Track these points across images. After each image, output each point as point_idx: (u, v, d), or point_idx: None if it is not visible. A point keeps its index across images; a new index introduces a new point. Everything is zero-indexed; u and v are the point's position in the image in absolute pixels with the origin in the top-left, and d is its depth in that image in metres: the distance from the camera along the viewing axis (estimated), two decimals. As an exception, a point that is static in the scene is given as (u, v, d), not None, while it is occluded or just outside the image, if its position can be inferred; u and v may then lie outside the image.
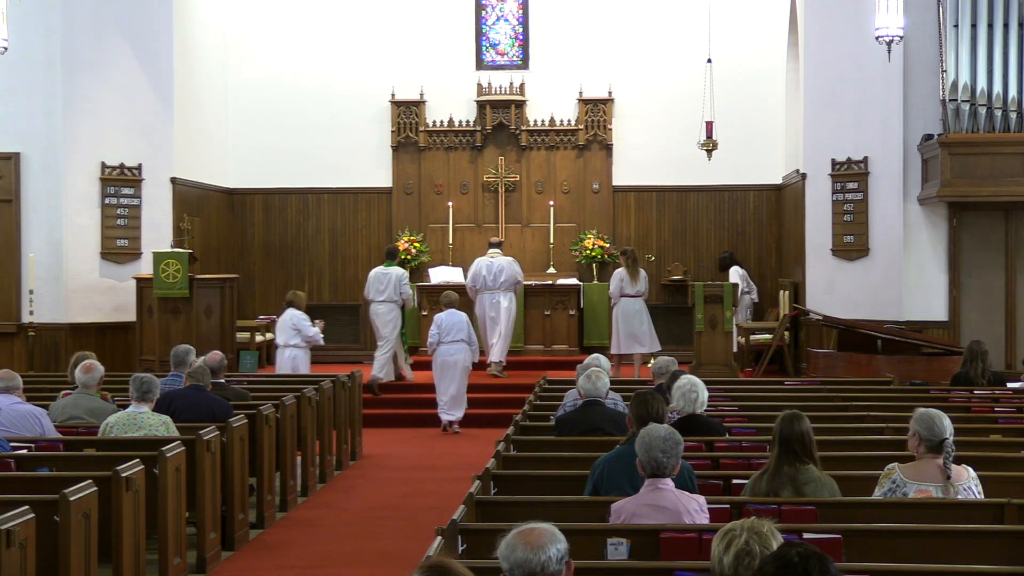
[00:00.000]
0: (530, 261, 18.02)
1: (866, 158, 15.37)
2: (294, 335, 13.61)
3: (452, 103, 18.49)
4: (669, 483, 5.49)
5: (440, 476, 11.35)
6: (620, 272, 15.71)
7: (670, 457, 5.44)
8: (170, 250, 14.84)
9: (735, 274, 17.37)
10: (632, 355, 15.53)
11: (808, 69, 16.16)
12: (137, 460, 7.02)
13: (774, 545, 3.61)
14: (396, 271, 15.25)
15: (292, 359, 13.57)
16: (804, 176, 16.21)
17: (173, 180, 16.10)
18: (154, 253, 14.65)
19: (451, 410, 13.96)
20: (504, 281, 15.74)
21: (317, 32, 18.68)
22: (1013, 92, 14.13)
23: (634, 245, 18.29)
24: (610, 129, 18.37)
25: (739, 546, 3.59)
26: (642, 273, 15.79)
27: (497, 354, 15.78)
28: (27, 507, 5.67)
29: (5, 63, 13.90)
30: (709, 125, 16.27)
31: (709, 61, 16.61)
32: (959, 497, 5.79)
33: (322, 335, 13.89)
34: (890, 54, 12.89)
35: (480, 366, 15.52)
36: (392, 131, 18.52)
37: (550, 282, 17.62)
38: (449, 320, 13.83)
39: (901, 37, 12.76)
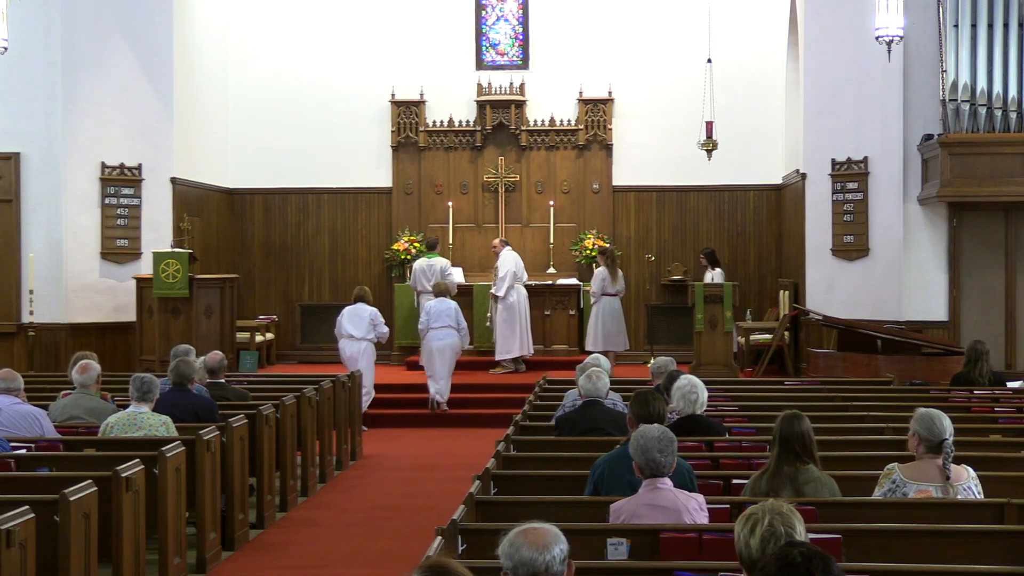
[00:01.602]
0: (530, 261, 17.99)
1: (866, 158, 15.38)
2: (371, 330, 14.01)
3: (452, 103, 18.49)
4: (668, 482, 5.48)
5: (440, 476, 11.35)
6: (601, 271, 16.06)
7: (667, 456, 5.44)
8: (170, 250, 14.85)
9: (720, 276, 17.01)
10: (609, 353, 15.62)
11: (808, 69, 16.16)
12: (137, 460, 7.02)
13: (797, 525, 3.67)
14: (440, 261, 16.28)
15: (366, 352, 14.03)
16: (804, 176, 16.21)
17: (173, 180, 16.10)
18: (154, 253, 14.66)
19: (439, 393, 14.46)
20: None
21: (317, 32, 18.69)
22: (1013, 92, 14.12)
23: (634, 245, 18.33)
24: (610, 129, 18.37)
25: (764, 528, 3.65)
26: (620, 273, 16.26)
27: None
28: (27, 507, 5.67)
29: (5, 63, 13.90)
30: (709, 125, 16.27)
31: (709, 61, 16.61)
32: (959, 497, 5.79)
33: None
34: (890, 54, 12.89)
35: (474, 363, 15.89)
36: (392, 131, 18.52)
37: (550, 282, 17.62)
38: (438, 307, 14.50)
39: (901, 37, 12.75)
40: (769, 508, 3.71)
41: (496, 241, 16.75)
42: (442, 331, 14.40)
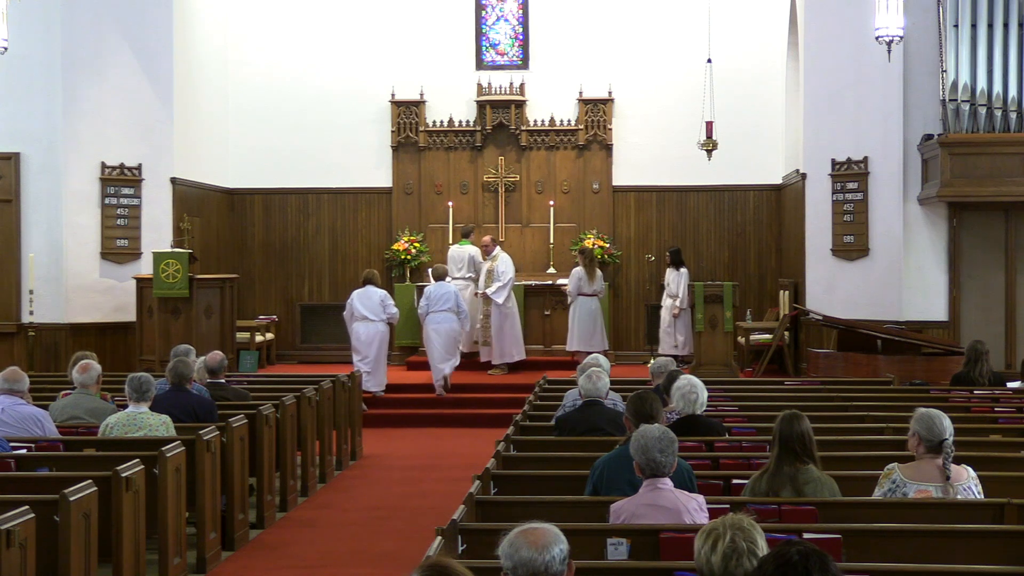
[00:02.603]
0: (530, 261, 18.05)
1: (866, 158, 15.38)
2: (382, 311, 14.53)
3: (452, 103, 18.49)
4: (668, 482, 5.48)
5: (440, 476, 11.35)
6: (578, 271, 16.04)
7: (668, 456, 5.43)
8: (170, 250, 14.85)
9: (685, 276, 16.60)
10: (586, 352, 15.66)
11: (808, 69, 16.16)
12: (137, 460, 7.02)
13: (759, 539, 3.62)
14: (471, 249, 16.52)
15: (380, 333, 14.54)
16: (804, 176, 16.21)
17: (173, 180, 16.10)
18: (154, 253, 14.65)
19: (438, 376, 14.85)
20: None
21: (317, 32, 18.69)
22: (1013, 92, 14.13)
23: (634, 245, 18.31)
24: (610, 129, 18.37)
25: (726, 544, 3.59)
26: (598, 273, 16.29)
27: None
28: (27, 507, 5.67)
29: (5, 63, 13.90)
30: (709, 125, 16.27)
31: (709, 61, 16.61)
32: (959, 497, 5.79)
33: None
34: (890, 54, 12.89)
35: (475, 364, 16.01)
36: (392, 131, 18.52)
37: (550, 282, 17.60)
38: (437, 291, 14.90)
39: (901, 37, 12.75)
40: (730, 524, 3.65)
41: (487, 239, 16.61)
42: (441, 315, 14.80)
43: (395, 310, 14.71)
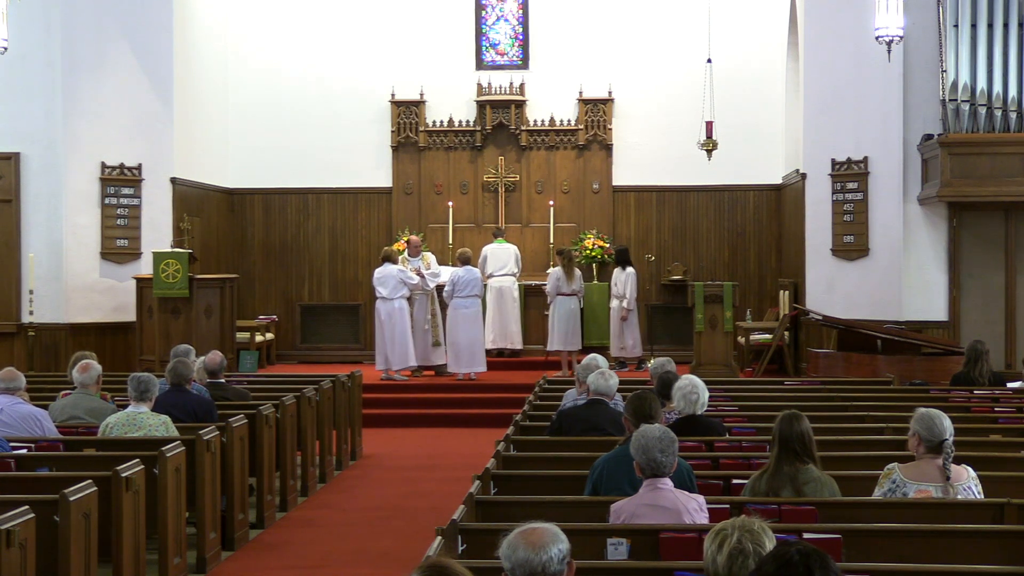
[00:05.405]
0: (530, 261, 18.04)
1: (866, 158, 15.38)
2: (400, 288, 15.10)
3: (452, 103, 18.49)
4: (668, 483, 5.48)
5: (440, 476, 11.35)
6: (557, 271, 16.01)
7: (668, 456, 5.43)
8: (170, 250, 14.85)
9: (632, 276, 16.56)
10: (563, 352, 15.72)
11: (808, 69, 16.16)
12: (137, 460, 7.02)
13: (766, 542, 3.62)
14: (513, 248, 17.07)
15: (397, 311, 15.16)
16: (804, 176, 16.21)
17: (173, 180, 16.10)
18: (154, 253, 14.65)
19: (469, 365, 15.27)
20: None
21: (317, 32, 18.68)
22: (1013, 92, 14.13)
23: (634, 245, 18.30)
24: (610, 129, 18.37)
25: (732, 545, 3.59)
26: (577, 273, 16.25)
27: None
28: (27, 507, 5.67)
29: (5, 63, 13.90)
30: (709, 125, 16.28)
31: (709, 61, 16.62)
32: (959, 497, 5.79)
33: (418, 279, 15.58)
34: (890, 54, 12.90)
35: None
36: (392, 131, 18.52)
37: (550, 282, 17.60)
38: (466, 276, 15.22)
39: (901, 37, 12.76)
40: (739, 525, 3.65)
41: (416, 238, 16.59)
42: (469, 300, 15.14)
43: (415, 280, 15.23)
